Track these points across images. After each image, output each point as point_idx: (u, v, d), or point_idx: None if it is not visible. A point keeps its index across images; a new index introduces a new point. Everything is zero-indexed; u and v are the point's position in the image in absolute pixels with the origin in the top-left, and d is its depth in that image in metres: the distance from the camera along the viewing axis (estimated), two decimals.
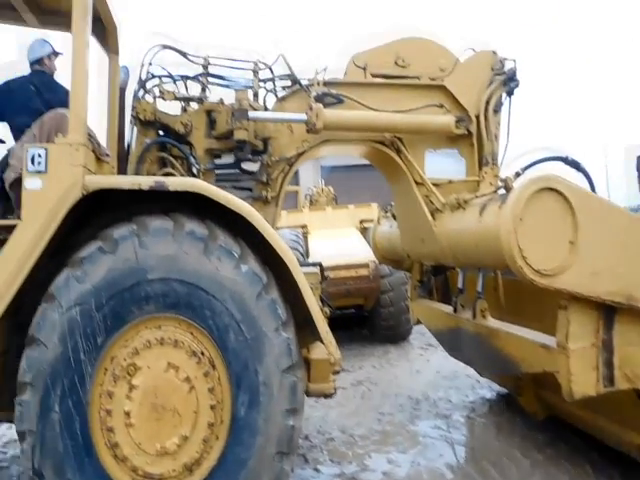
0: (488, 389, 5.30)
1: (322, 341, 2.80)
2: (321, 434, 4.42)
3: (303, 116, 3.45)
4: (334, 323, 8.95)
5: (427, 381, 5.90)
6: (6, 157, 2.99)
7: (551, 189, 2.69)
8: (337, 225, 8.75)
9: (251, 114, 3.40)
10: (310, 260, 7.64)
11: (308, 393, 3.20)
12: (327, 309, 3.77)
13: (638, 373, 2.74)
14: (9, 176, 2.95)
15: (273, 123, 3.64)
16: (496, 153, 3.79)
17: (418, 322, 4.91)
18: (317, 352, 3.15)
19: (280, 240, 2.72)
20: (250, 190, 3.68)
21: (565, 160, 3.28)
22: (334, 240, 8.05)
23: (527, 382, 4.10)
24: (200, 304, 2.49)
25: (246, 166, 3.73)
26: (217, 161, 3.69)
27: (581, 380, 2.72)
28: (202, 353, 2.51)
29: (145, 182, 2.59)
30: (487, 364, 3.82)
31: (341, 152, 4.26)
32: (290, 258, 2.70)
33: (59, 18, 3.32)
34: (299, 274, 2.70)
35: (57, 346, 2.36)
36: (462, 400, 5.13)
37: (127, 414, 2.43)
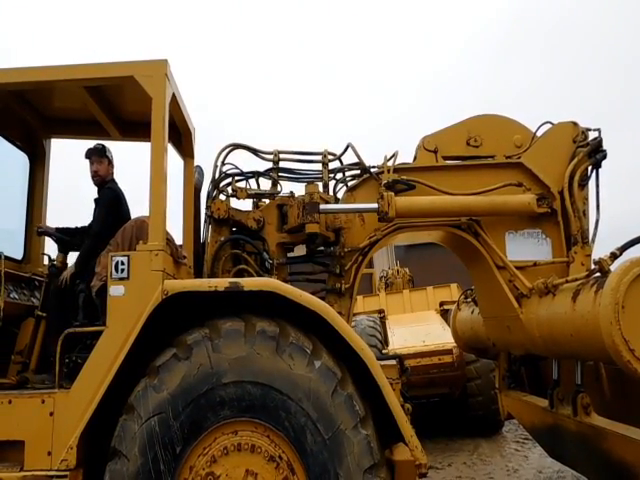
0: None
1: (407, 444, 2.63)
2: None
3: (374, 205, 3.41)
4: (418, 413, 8.46)
5: None
6: (93, 266, 3.14)
7: None
8: (416, 309, 8.49)
9: (322, 207, 3.41)
10: (390, 347, 7.36)
11: None
12: (409, 405, 3.53)
13: None
14: (95, 284, 3.07)
15: (345, 215, 3.61)
16: (586, 231, 3.53)
17: (509, 417, 4.46)
18: (400, 453, 2.89)
19: (357, 336, 2.64)
20: (324, 282, 3.62)
21: None
22: (414, 325, 7.76)
23: None
24: (275, 405, 2.43)
25: (320, 258, 3.69)
26: (290, 254, 3.68)
27: None
28: (280, 457, 2.43)
29: (221, 284, 2.63)
30: (596, 469, 3.35)
31: (415, 239, 4.15)
32: (368, 356, 2.60)
33: (139, 129, 3.57)
34: (379, 372, 2.59)
35: (138, 458, 2.37)
36: None
37: None
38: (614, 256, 2.77)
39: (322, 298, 3.31)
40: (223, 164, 3.66)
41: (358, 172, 3.74)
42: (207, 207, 3.57)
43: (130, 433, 2.39)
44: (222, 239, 3.50)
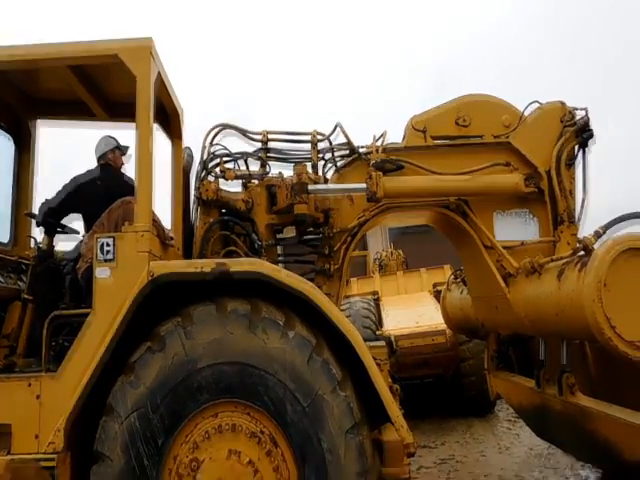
0: (589, 469, 4.71)
1: (393, 424, 2.64)
2: None
3: (363, 185, 3.39)
4: (411, 394, 8.55)
5: (519, 460, 5.38)
6: (78, 247, 3.13)
7: (637, 249, 2.44)
8: (409, 290, 8.53)
9: (311, 187, 3.40)
10: (383, 329, 7.41)
11: (381, 478, 2.95)
12: (397, 386, 3.56)
13: None
14: (81, 266, 3.07)
15: (333, 195, 3.61)
16: (572, 210, 3.53)
17: (498, 397, 4.51)
18: (389, 433, 2.95)
19: (343, 318, 2.66)
20: (313, 263, 3.62)
21: None
22: (407, 307, 7.81)
23: (633, 467, 3.59)
24: (252, 382, 2.44)
25: (308, 239, 3.69)
26: (279, 236, 3.68)
27: None
28: (261, 432, 2.45)
29: (207, 264, 2.62)
30: (582, 449, 3.41)
31: (404, 220, 4.15)
32: (355, 337, 2.60)
33: (126, 110, 3.54)
34: (365, 353, 2.59)
35: (121, 457, 2.38)
36: None
37: None
38: (598, 235, 2.79)
39: (311, 279, 3.32)
40: (211, 145, 3.64)
41: (347, 152, 3.72)
42: (196, 189, 3.56)
43: (111, 434, 2.40)
44: (211, 221, 3.49)
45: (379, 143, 3.66)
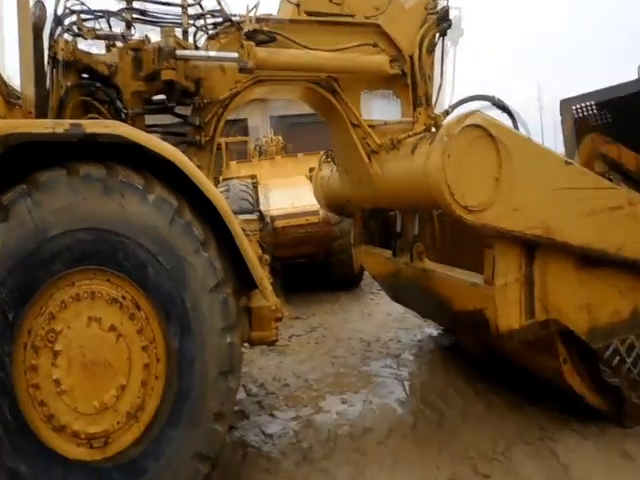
0: (435, 327, 5.46)
1: (258, 287, 2.75)
2: (276, 381, 4.49)
3: (234, 55, 3.30)
4: (286, 273, 9.00)
5: (378, 323, 6.05)
6: None
7: (477, 126, 2.70)
8: (287, 174, 8.66)
9: (179, 53, 3.23)
10: (261, 209, 7.58)
11: (251, 342, 3.17)
12: (267, 256, 3.76)
13: (555, 304, 2.87)
14: None
15: (204, 63, 3.47)
16: (430, 94, 3.76)
17: (362, 269, 4.95)
18: (258, 300, 3.10)
19: (210, 185, 2.61)
20: (184, 135, 3.55)
21: (492, 100, 3.31)
22: (284, 189, 7.98)
23: (462, 319, 4.22)
24: (111, 248, 2.36)
25: (179, 110, 3.58)
26: (147, 106, 3.51)
27: (505, 315, 2.82)
28: (123, 297, 2.42)
29: (60, 126, 2.37)
30: (424, 306, 3.92)
31: (277, 94, 4.15)
32: (221, 203, 2.58)
33: None
34: (230, 218, 2.60)
35: None
36: (411, 340, 5.29)
37: (57, 382, 2.32)
38: (447, 113, 3.04)
39: (182, 152, 3.27)
40: None
41: (220, 20, 3.56)
42: (49, 47, 3.23)
43: None
44: (68, 84, 3.24)
45: (252, 13, 3.53)
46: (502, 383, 3.91)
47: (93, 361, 2.37)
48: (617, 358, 3.03)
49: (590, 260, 2.94)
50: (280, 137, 10.77)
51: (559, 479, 2.72)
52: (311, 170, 8.40)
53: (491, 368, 4.18)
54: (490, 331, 2.93)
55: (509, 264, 2.82)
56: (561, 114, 4.91)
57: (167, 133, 3.63)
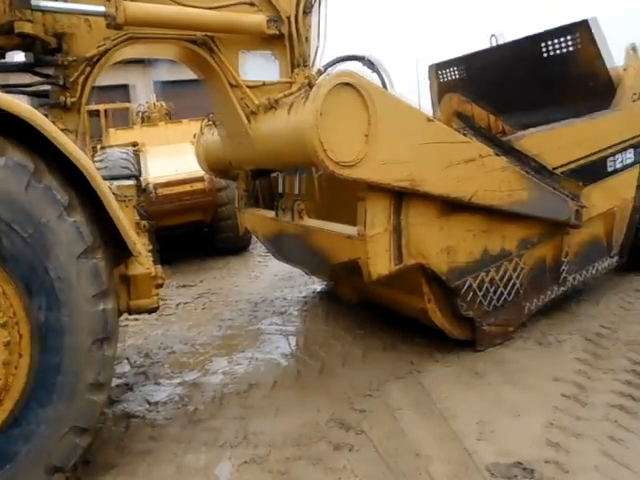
0: (319, 283, 5.70)
1: (131, 252, 2.66)
2: (162, 349, 4.45)
3: (101, 8, 3.11)
4: (174, 242, 8.81)
5: (265, 284, 6.18)
6: None
7: (348, 84, 2.83)
8: (171, 141, 8.40)
9: (34, 2, 2.97)
10: (143, 177, 7.32)
11: (130, 311, 3.10)
12: (146, 222, 3.69)
13: (420, 249, 3.16)
14: None
15: (67, 16, 3.24)
16: (307, 55, 3.84)
17: (246, 232, 5.01)
18: (135, 267, 3.02)
19: (71, 144, 2.42)
20: (46, 96, 3.32)
21: (362, 60, 3.47)
22: (168, 156, 7.75)
23: (342, 272, 4.47)
24: None
25: (40, 68, 3.34)
26: (1, 61, 3.25)
27: (377, 262, 3.05)
28: None
29: None
30: (305, 261, 4.08)
31: (152, 53, 4.01)
32: (85, 165, 2.42)
33: None
34: (97, 180, 2.45)
35: None
36: (296, 296, 5.48)
37: None
38: (320, 72, 3.15)
39: (45, 115, 3.07)
40: None
41: None
42: None
43: None
44: None
45: None
46: (378, 328, 4.23)
47: None
48: (471, 293, 3.43)
49: (449, 208, 3.25)
50: (164, 103, 10.35)
51: (424, 403, 3.03)
52: (195, 136, 8.25)
53: (368, 315, 4.49)
54: (364, 279, 3.14)
55: (379, 215, 3.03)
56: (429, 78, 5.28)
57: (26, 93, 3.40)
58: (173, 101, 11.58)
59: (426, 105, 5.43)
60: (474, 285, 3.45)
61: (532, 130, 3.65)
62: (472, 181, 3.20)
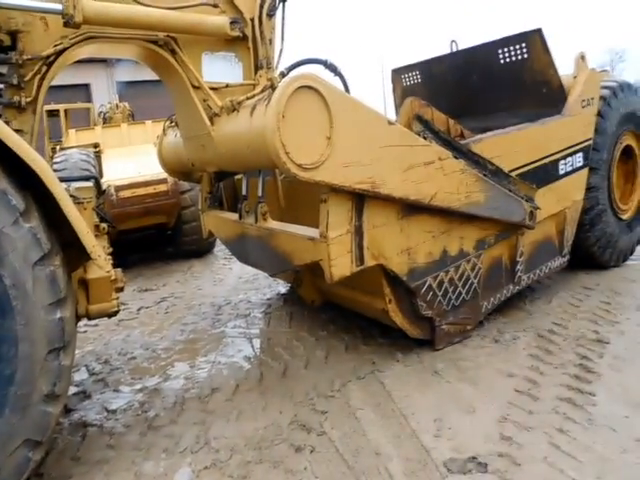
0: (283, 285, 5.71)
1: (89, 255, 2.59)
2: (122, 355, 4.38)
3: (58, 6, 3.06)
4: (136, 245, 8.68)
5: (229, 287, 6.15)
6: None
7: (309, 87, 2.86)
8: (134, 143, 8.29)
9: None
10: (104, 180, 7.20)
11: (89, 316, 3.04)
12: (105, 225, 3.63)
13: (381, 250, 3.22)
14: None
15: (21, 14, 3.17)
16: (271, 57, 3.85)
17: (210, 234, 4.98)
18: (95, 271, 2.96)
19: (26, 145, 2.34)
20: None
21: (324, 63, 3.51)
22: (130, 158, 7.64)
23: (305, 274, 4.50)
24: None
25: None
26: None
27: (338, 263, 3.07)
28: None
29: None
30: (268, 263, 4.09)
31: (111, 53, 3.94)
32: (41, 166, 2.34)
33: None
34: (51, 181, 2.37)
35: None
36: (260, 299, 5.48)
37: None
38: (283, 75, 3.17)
39: None
40: None
41: None
42: None
43: None
44: None
45: None
46: (341, 329, 4.28)
47: None
48: (430, 293, 3.51)
49: (409, 210, 3.31)
50: (126, 104, 10.19)
51: (384, 402, 3.08)
52: (159, 137, 8.15)
53: (331, 316, 4.54)
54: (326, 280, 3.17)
55: (341, 217, 3.06)
56: (392, 82, 5.38)
57: None
58: (135, 101, 11.44)
59: (392, 108, 5.54)
60: (433, 285, 3.52)
61: (489, 134, 3.77)
62: (431, 183, 3.27)
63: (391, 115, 4.70)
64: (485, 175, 3.55)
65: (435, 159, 3.28)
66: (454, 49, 4.88)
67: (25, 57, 3.18)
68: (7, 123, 2.87)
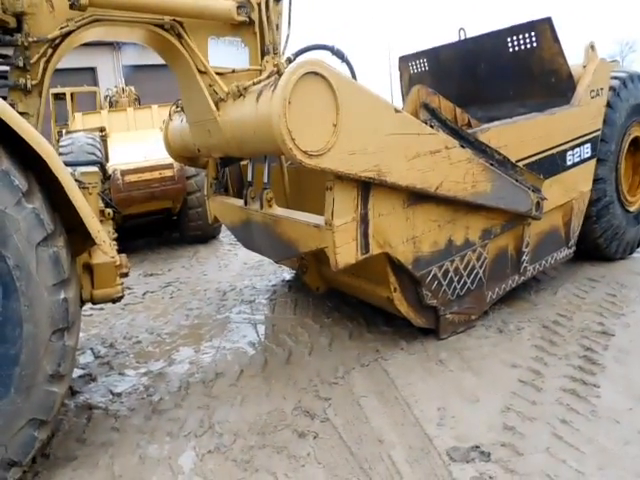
0: (288, 272, 5.72)
1: (94, 240, 2.59)
2: (127, 339, 4.41)
3: None
4: (142, 230, 8.70)
5: (234, 273, 6.16)
6: None
7: (316, 73, 2.83)
8: (140, 127, 8.27)
9: None
10: (110, 164, 7.20)
11: (94, 300, 3.06)
12: (110, 210, 3.64)
13: (387, 239, 3.20)
14: None
15: None
16: (277, 43, 3.82)
17: (215, 220, 4.98)
18: (99, 256, 2.97)
19: (31, 128, 2.34)
20: (4, 78, 3.23)
21: (332, 50, 3.48)
22: (136, 142, 7.63)
23: (310, 261, 4.50)
24: None
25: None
26: None
27: (344, 251, 3.07)
28: None
29: None
30: (273, 250, 4.09)
31: (117, 36, 3.91)
32: (46, 150, 2.35)
33: None
34: (57, 166, 2.38)
35: None
36: (265, 285, 5.49)
37: None
38: (289, 61, 3.13)
39: (3, 98, 2.98)
40: None
41: None
42: None
43: None
44: None
45: None
46: (345, 316, 4.29)
47: None
48: (435, 282, 3.51)
49: (415, 199, 3.29)
50: (132, 88, 10.15)
51: (387, 390, 3.09)
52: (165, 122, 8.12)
53: (336, 303, 4.54)
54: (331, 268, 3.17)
55: (347, 205, 3.05)
56: (399, 69, 5.32)
57: None
58: (141, 85, 11.38)
59: (399, 95, 5.49)
60: (439, 274, 3.52)
61: (496, 123, 3.73)
62: (437, 172, 3.25)
63: (398, 103, 4.67)
64: (492, 165, 3.52)
65: (442, 148, 3.25)
66: (462, 37, 4.81)
67: (31, 39, 3.16)
68: (12, 105, 2.85)
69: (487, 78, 4.48)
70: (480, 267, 3.74)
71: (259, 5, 3.73)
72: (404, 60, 5.49)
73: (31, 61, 3.18)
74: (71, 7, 3.12)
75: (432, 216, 3.42)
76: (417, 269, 3.41)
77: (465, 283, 3.69)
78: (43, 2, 3.20)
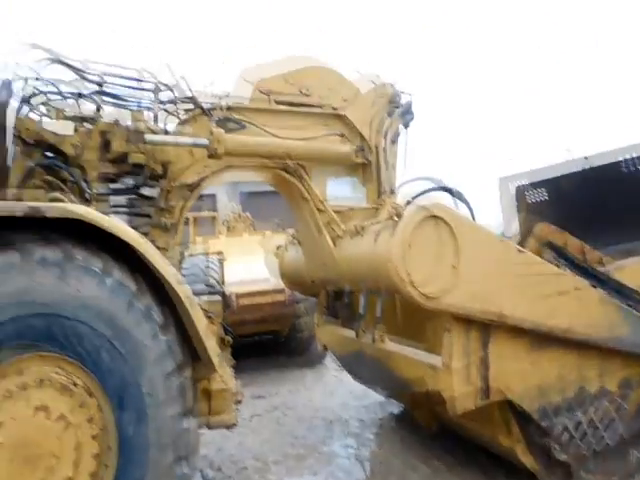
0: (395, 405, 5.43)
1: (215, 369, 2.72)
2: (234, 464, 4.34)
3: (204, 141, 3.43)
4: (250, 349, 8.80)
5: (340, 402, 5.97)
6: None
7: (436, 217, 2.87)
8: (254, 251, 8.74)
9: (148, 137, 3.31)
10: (226, 287, 7.57)
11: (209, 426, 3.12)
12: (229, 338, 3.75)
13: (509, 385, 2.96)
14: None
15: (173, 147, 3.58)
16: (393, 182, 3.98)
17: (325, 348, 4.97)
18: (217, 383, 3.09)
19: (169, 268, 2.57)
20: (149, 217, 3.57)
21: (450, 191, 3.53)
22: (250, 266, 8.02)
23: (421, 398, 4.24)
24: (64, 333, 2.27)
25: (146, 192, 3.64)
26: (113, 186, 3.57)
27: (462, 396, 2.88)
28: (74, 384, 2.31)
29: (19, 207, 2.29)
30: (384, 384, 3.95)
31: (243, 177, 4.30)
32: (181, 288, 2.54)
33: None
34: (188, 301, 2.55)
35: None
36: (372, 418, 5.23)
37: None
38: (408, 203, 3.22)
39: (145, 234, 3.28)
40: (37, 79, 3.27)
41: (190, 106, 3.71)
42: (14, 127, 3.26)
43: None
44: (32, 163, 3.19)
45: (224, 102, 3.72)
46: (458, 462, 3.94)
47: (37, 453, 2.22)
48: (566, 434, 3.11)
49: (540, 342, 3.07)
50: (248, 214, 10.94)
51: None
52: (278, 248, 8.55)
53: (448, 445, 4.20)
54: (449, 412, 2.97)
55: (466, 347, 2.91)
56: (500, 191, 5.21)
57: (132, 214, 3.68)
58: (256, 211, 12.21)
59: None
60: (570, 426, 3.13)
61: (633, 259, 3.46)
62: (566, 314, 3.03)
63: (498, 224, 4.57)
64: (630, 306, 3.22)
65: (570, 289, 3.06)
66: (569, 157, 4.65)
67: (173, 184, 3.55)
68: (152, 242, 3.12)
69: (619, 209, 4.20)
70: (620, 420, 3.30)
71: (377, 148, 3.95)
72: (506, 181, 5.36)
73: (171, 203, 3.55)
74: (209, 157, 3.50)
75: (559, 361, 3.13)
76: (544, 419, 3.08)
77: (602, 438, 3.25)
78: (185, 152, 3.62)
